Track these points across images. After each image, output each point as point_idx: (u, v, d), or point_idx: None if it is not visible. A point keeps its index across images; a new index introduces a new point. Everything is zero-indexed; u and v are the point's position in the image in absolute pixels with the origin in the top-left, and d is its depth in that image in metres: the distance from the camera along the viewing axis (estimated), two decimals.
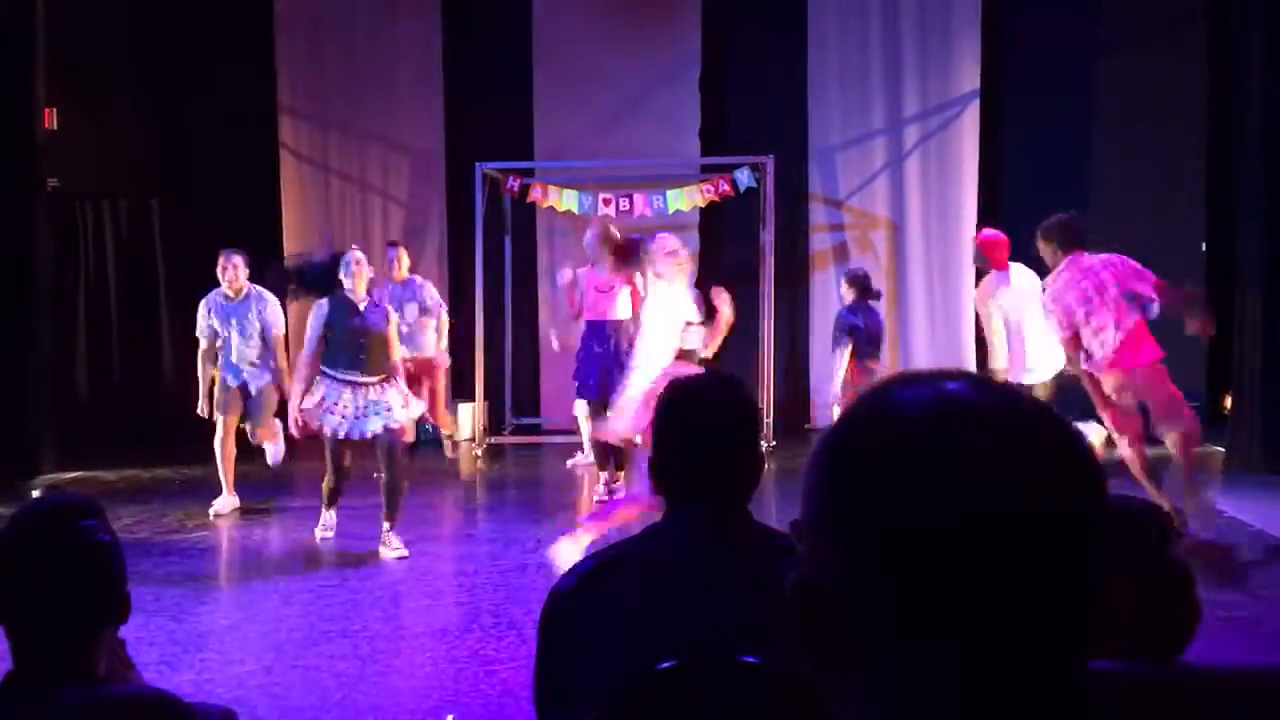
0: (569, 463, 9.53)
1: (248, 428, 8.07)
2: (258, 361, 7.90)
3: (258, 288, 8.02)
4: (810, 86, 11.59)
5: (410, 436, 7.34)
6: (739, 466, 2.14)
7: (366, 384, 6.67)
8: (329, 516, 7.13)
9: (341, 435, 6.66)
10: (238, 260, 7.90)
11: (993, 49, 11.33)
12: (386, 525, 6.70)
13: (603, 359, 8.19)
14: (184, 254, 10.98)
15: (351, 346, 6.66)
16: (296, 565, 6.63)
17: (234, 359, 7.91)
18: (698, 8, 11.66)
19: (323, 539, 7.04)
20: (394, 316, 6.99)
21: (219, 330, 7.92)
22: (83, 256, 11.76)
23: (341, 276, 6.74)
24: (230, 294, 7.88)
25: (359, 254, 6.87)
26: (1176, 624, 1.82)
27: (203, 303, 8.00)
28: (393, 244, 9.47)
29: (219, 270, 7.85)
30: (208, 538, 7.28)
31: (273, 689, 4.57)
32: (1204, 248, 11.12)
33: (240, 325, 7.88)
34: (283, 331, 8.08)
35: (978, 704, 0.74)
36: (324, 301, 6.79)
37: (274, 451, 8.27)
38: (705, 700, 1.90)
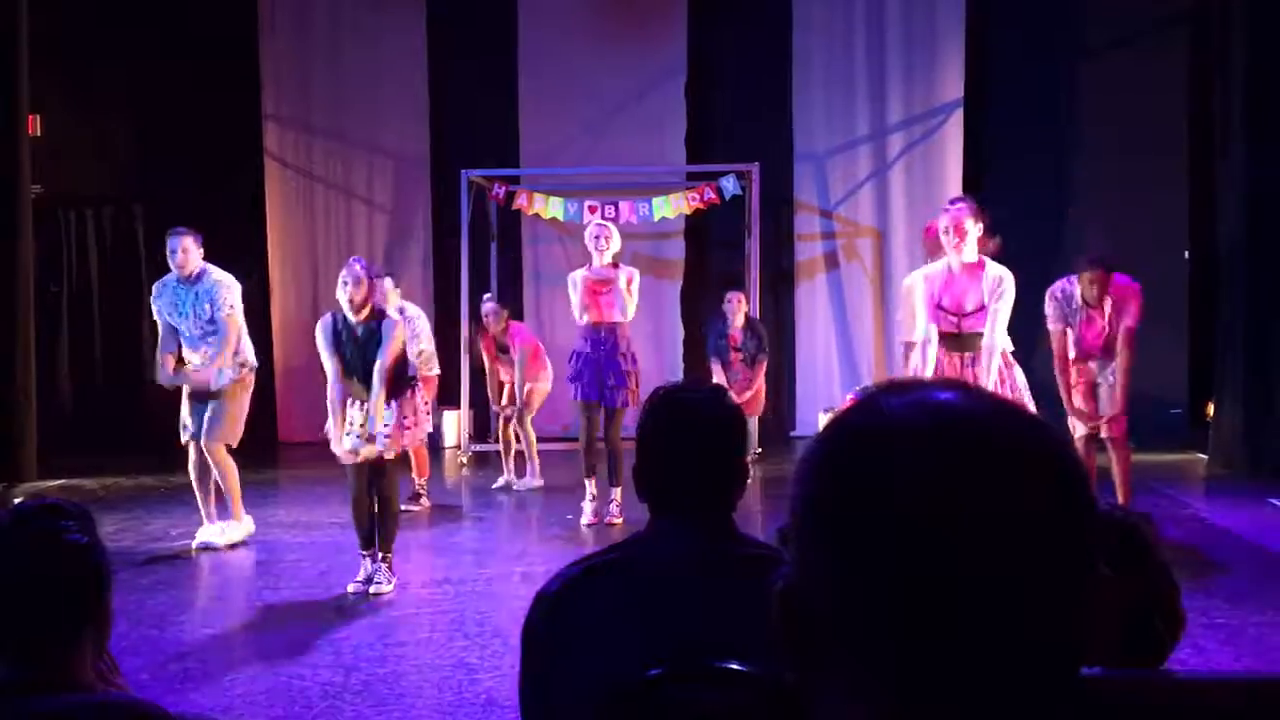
0: (512, 484, 9.19)
1: (202, 442, 7.10)
2: (213, 357, 7.05)
3: (211, 267, 7.14)
4: (795, 95, 11.63)
5: (402, 447, 6.39)
6: (723, 475, 2.14)
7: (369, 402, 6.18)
8: (365, 564, 6.23)
9: (346, 449, 6.17)
10: (186, 242, 7.02)
11: (976, 57, 11.39)
12: (379, 555, 6.20)
13: (594, 361, 7.74)
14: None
15: (350, 367, 6.21)
16: (280, 575, 6.60)
17: (188, 353, 7.12)
18: (683, 15, 11.69)
19: (354, 591, 6.11)
20: (399, 331, 6.25)
21: (169, 319, 7.12)
22: (66, 263, 11.72)
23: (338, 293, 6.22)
24: (183, 277, 7.07)
25: (357, 270, 6.15)
26: (1161, 631, 1.82)
27: (155, 285, 7.26)
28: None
29: (168, 254, 7.06)
30: (192, 547, 7.24)
31: (256, 698, 4.55)
32: (1187, 255, 11.18)
33: (194, 310, 7.04)
34: (234, 312, 7.08)
35: (968, 708, 0.75)
36: (325, 318, 6.28)
37: (226, 504, 7.22)
38: (691, 708, 1.90)
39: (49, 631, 1.83)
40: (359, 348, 6.16)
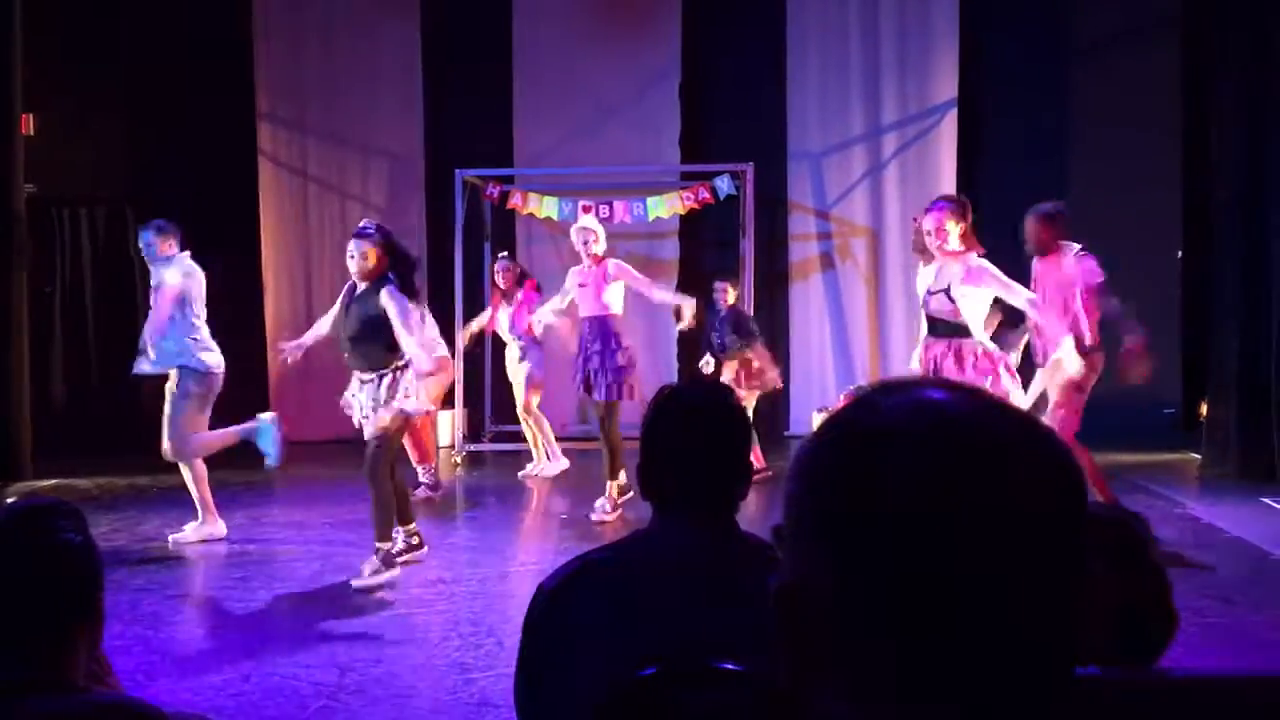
0: (521, 473, 9.48)
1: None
2: (156, 348, 6.96)
3: (181, 257, 7.12)
4: (790, 94, 11.64)
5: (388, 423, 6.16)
6: (727, 473, 2.15)
7: (365, 380, 6.20)
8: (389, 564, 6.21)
9: (357, 425, 6.26)
10: (149, 236, 7.14)
11: (971, 57, 11.40)
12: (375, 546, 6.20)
13: (582, 357, 7.83)
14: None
15: (344, 335, 6.21)
16: (274, 574, 6.59)
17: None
18: (677, 15, 11.69)
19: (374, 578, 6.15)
20: (393, 303, 6.04)
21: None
22: (59, 262, 11.69)
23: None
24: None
25: (365, 246, 6.12)
26: (1155, 630, 1.82)
27: None
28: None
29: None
30: (185, 547, 7.23)
31: (250, 698, 4.54)
32: (1180, 255, 11.20)
33: (152, 301, 7.11)
34: (175, 291, 6.95)
35: (967, 707, 0.75)
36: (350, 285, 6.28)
37: (199, 530, 7.17)
38: (688, 707, 1.90)
39: (42, 631, 1.82)
40: (355, 307, 6.16)
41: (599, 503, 7.74)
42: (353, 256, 6.13)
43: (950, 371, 6.07)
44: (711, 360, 9.34)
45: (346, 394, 6.30)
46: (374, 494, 6.23)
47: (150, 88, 11.33)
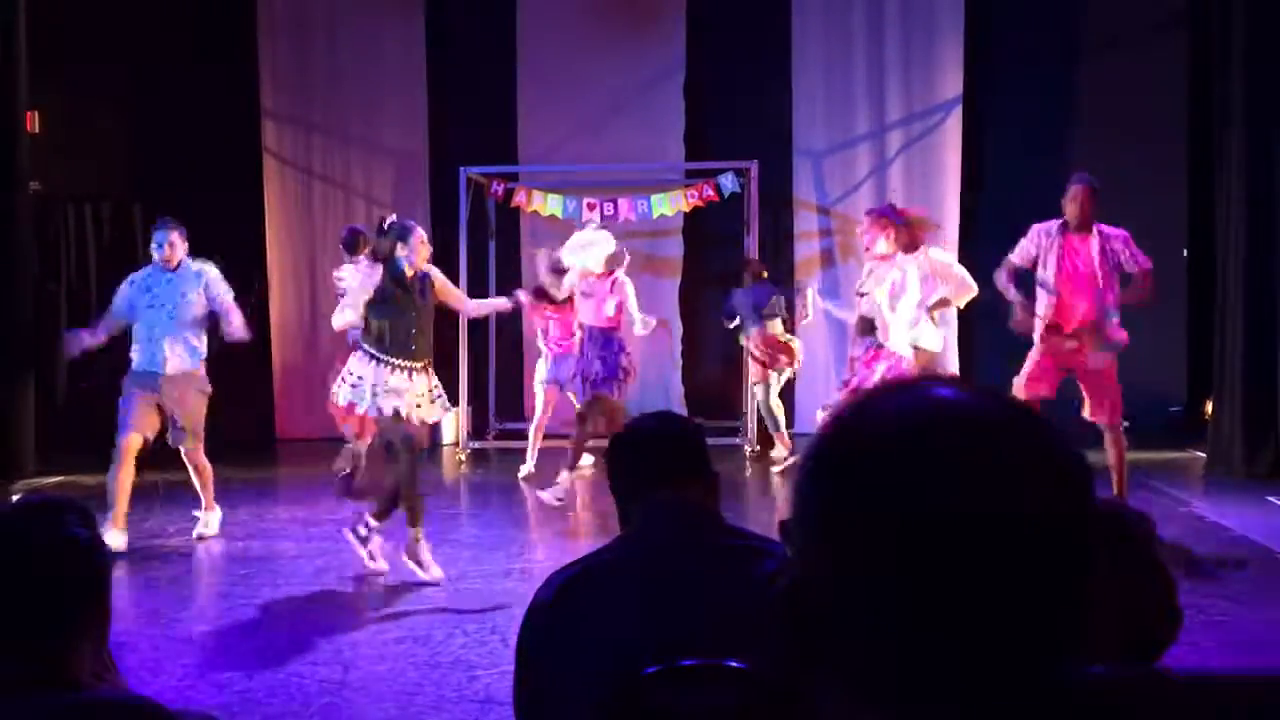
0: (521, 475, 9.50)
1: (171, 439, 7.23)
2: (185, 346, 7.13)
3: (198, 261, 7.27)
4: (795, 92, 11.62)
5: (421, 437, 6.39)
6: (695, 475, 2.23)
7: (411, 368, 6.21)
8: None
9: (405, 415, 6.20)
10: (174, 236, 7.18)
11: (976, 55, 11.38)
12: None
13: (580, 362, 8.31)
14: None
15: (405, 327, 6.19)
16: (278, 571, 6.60)
17: (153, 339, 7.12)
18: (682, 12, 11.68)
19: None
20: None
21: (135, 307, 7.18)
22: (64, 260, 11.70)
23: (402, 248, 6.16)
24: (166, 269, 7.20)
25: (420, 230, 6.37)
26: (1158, 628, 1.82)
27: (127, 280, 7.32)
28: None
29: (153, 246, 7.24)
30: (189, 543, 7.25)
31: (255, 695, 4.55)
32: (1185, 253, 11.18)
33: (171, 301, 7.13)
34: (232, 296, 7.33)
35: (968, 707, 0.75)
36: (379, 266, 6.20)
37: (203, 515, 7.35)
38: (685, 704, 1.91)
39: (49, 627, 1.82)
40: (411, 296, 6.21)
41: (551, 489, 8.06)
42: (423, 242, 6.24)
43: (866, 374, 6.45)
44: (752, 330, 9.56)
45: (384, 383, 6.13)
46: (404, 488, 6.32)
47: (155, 85, 11.33)
